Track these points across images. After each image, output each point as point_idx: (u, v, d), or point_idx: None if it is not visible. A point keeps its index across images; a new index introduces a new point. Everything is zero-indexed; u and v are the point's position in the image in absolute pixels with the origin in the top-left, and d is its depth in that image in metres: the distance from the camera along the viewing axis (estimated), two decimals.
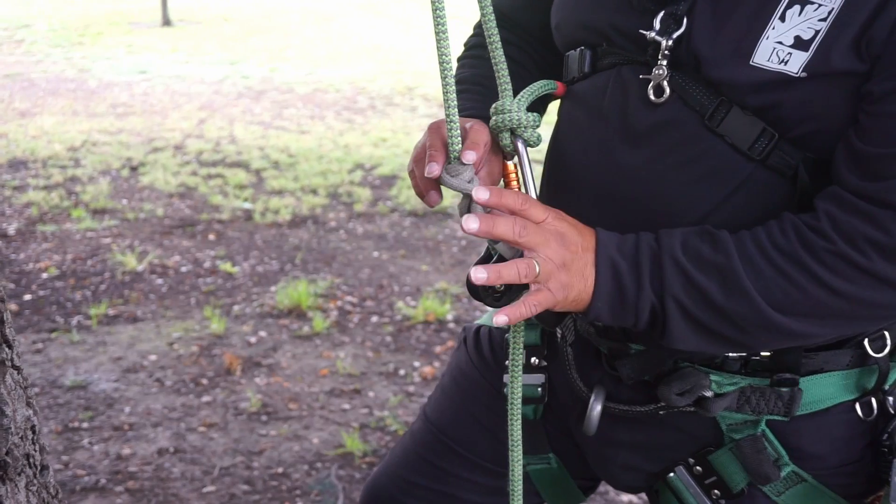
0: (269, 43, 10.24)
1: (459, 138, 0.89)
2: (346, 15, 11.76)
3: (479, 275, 0.81)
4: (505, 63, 0.91)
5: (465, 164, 0.89)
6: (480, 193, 0.84)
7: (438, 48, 0.87)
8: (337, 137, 6.28)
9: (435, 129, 0.93)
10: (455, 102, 0.88)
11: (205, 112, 6.99)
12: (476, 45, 1.18)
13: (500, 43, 0.90)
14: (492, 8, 0.89)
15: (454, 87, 0.88)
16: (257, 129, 6.46)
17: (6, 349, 1.11)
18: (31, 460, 1.15)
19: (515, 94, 0.94)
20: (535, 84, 0.99)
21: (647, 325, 0.88)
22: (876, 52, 0.82)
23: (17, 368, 1.14)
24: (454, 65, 0.95)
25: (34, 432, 1.17)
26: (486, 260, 0.91)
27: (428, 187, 0.97)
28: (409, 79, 8.31)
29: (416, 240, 4.23)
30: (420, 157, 0.96)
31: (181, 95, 7.57)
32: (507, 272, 0.83)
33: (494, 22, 0.89)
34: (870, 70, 0.83)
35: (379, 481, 1.32)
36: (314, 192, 4.95)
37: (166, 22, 11.22)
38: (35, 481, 1.16)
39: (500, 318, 0.84)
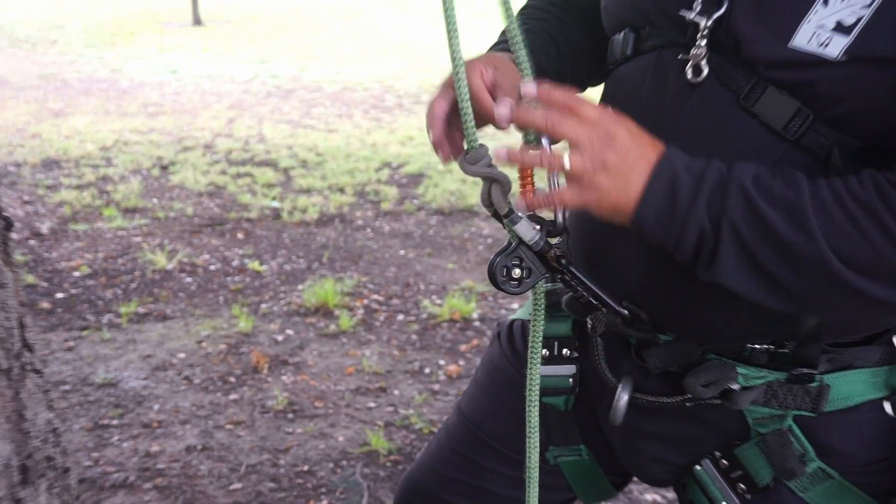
0: (297, 41, 9.80)
1: (474, 128, 0.81)
2: (374, 11, 11.26)
3: (502, 110, 0.77)
4: (528, 59, 0.84)
5: (483, 147, 0.81)
6: (528, 87, 0.78)
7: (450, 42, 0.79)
8: (364, 136, 6.01)
9: (439, 104, 0.84)
10: (467, 94, 0.80)
11: (234, 111, 6.70)
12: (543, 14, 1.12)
13: (523, 42, 0.84)
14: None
15: (465, 79, 0.81)
16: (286, 128, 6.18)
17: (27, 354, 1.06)
18: (53, 463, 1.09)
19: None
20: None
21: (694, 250, 0.79)
22: None
23: (38, 372, 1.08)
24: (464, 57, 0.85)
25: (55, 435, 1.11)
26: (505, 250, 0.84)
27: (439, 145, 0.89)
28: (436, 76, 7.83)
29: (442, 238, 3.99)
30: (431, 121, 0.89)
31: (211, 95, 7.26)
32: (529, 156, 0.77)
33: (517, 24, 0.83)
34: None
35: (414, 476, 1.26)
36: (341, 190, 4.70)
37: (197, 21, 10.81)
38: (56, 484, 1.10)
39: (520, 202, 0.79)
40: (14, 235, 3.12)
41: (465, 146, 0.82)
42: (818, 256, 0.76)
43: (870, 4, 0.78)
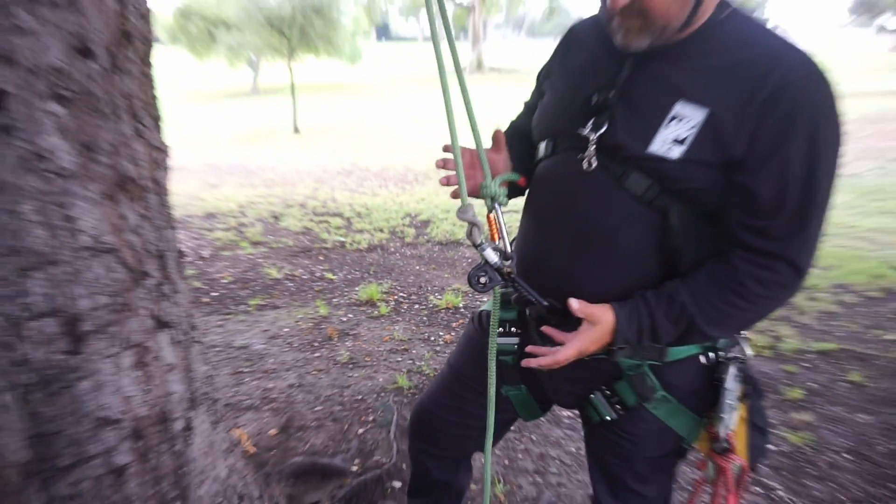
0: (356, 141, 11.98)
1: (466, 194, 1.00)
2: (401, 124, 13.62)
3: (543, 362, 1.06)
4: (486, 157, 1.05)
5: (470, 205, 0.99)
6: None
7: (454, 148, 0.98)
8: (395, 198, 7.30)
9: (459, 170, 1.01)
10: (463, 174, 1.01)
11: (317, 183, 8.18)
12: (514, 128, 1.34)
13: (482, 144, 1.03)
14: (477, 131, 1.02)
15: (462, 165, 1.01)
16: (348, 194, 7.52)
17: (192, 332, 1.28)
18: (208, 395, 1.33)
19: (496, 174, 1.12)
20: (508, 174, 1.15)
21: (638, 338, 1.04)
22: (733, 152, 0.92)
23: (199, 342, 1.32)
24: (460, 142, 1.02)
25: (210, 379, 1.35)
26: (477, 266, 1.02)
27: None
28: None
29: (441, 259, 4.97)
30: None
31: (304, 174, 8.90)
32: (544, 360, 1.06)
33: (481, 140, 1.02)
34: (726, 162, 0.94)
35: (422, 402, 1.44)
36: (381, 230, 5.78)
37: (296, 130, 13.31)
38: (210, 408, 1.33)
39: (531, 361, 1.08)
40: (187, 259, 4.02)
41: (460, 203, 1.01)
42: (699, 330, 1.00)
43: (693, 128, 0.94)
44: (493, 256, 1.00)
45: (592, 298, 1.05)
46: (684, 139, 0.94)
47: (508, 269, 1.01)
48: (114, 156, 1.01)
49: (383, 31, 79.32)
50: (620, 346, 1.04)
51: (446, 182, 1.13)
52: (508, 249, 1.02)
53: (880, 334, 3.39)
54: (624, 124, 1.00)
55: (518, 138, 1.29)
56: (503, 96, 18.08)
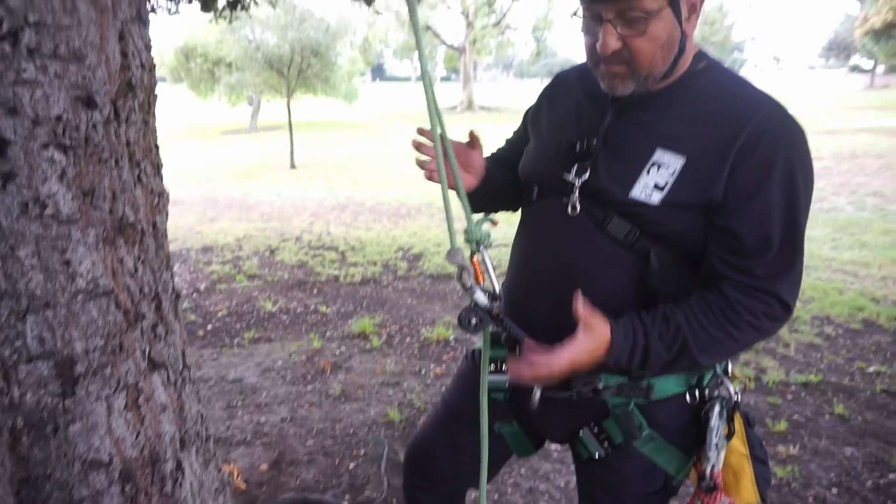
0: (351, 176, 12.07)
1: (457, 240, 1.02)
2: (396, 160, 13.72)
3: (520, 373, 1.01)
4: (468, 202, 1.08)
5: (459, 249, 1.01)
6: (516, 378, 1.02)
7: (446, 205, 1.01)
8: (388, 232, 7.27)
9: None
10: (452, 215, 1.01)
11: (313, 218, 8.17)
12: (494, 157, 1.36)
13: (465, 195, 1.08)
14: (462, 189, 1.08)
15: (451, 211, 1.01)
16: (343, 228, 7.52)
17: (186, 371, 1.25)
18: (199, 435, 1.28)
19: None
20: (484, 215, 1.13)
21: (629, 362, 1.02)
22: (712, 195, 0.95)
23: (193, 381, 1.28)
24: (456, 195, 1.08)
25: (202, 418, 1.30)
26: (468, 307, 1.02)
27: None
28: (429, 197, 9.24)
29: (433, 292, 4.91)
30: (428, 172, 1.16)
31: (300, 208, 8.91)
32: (538, 369, 1.00)
33: (464, 194, 1.08)
34: (705, 204, 0.96)
35: (416, 439, 1.45)
36: (374, 263, 5.74)
37: (292, 166, 13.40)
38: (201, 448, 1.28)
39: (523, 371, 1.01)
40: (183, 292, 4.03)
41: (450, 246, 1.02)
42: (691, 355, 0.99)
43: (672, 174, 0.98)
44: (482, 299, 1.01)
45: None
46: (664, 185, 0.98)
47: (497, 311, 1.02)
48: (113, 202, 1.02)
49: (378, 72, 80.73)
50: (609, 369, 1.02)
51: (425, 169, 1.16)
52: (497, 290, 1.03)
53: (863, 367, 3.40)
54: (606, 170, 1.03)
55: (497, 165, 1.32)
56: (493, 134, 18.30)
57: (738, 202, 0.96)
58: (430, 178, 1.16)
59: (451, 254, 1.01)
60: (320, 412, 2.92)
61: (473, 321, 1.01)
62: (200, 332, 4.00)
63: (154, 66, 1.13)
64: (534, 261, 1.16)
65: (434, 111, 1.00)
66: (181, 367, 1.26)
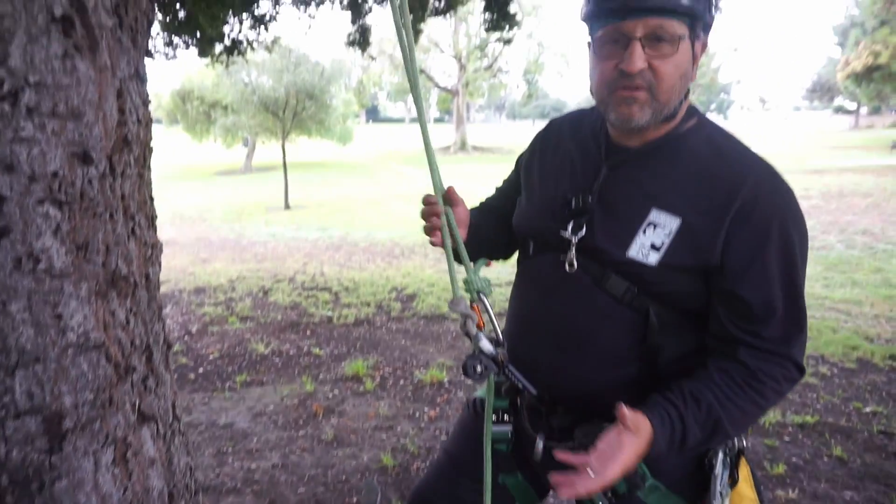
0: (345, 217, 12.13)
1: (458, 287, 1.05)
2: (389, 201, 13.88)
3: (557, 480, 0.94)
4: (465, 251, 1.09)
5: (462, 297, 1.03)
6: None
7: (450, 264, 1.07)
8: (382, 272, 7.25)
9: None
10: (455, 268, 1.05)
11: (307, 258, 8.17)
12: (482, 206, 1.38)
13: (464, 247, 1.08)
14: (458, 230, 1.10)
15: (455, 266, 1.05)
16: (336, 268, 7.50)
17: (176, 423, 1.27)
18: (188, 488, 1.28)
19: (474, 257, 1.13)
20: (480, 260, 1.17)
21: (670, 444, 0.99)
22: (709, 258, 0.96)
23: (182, 433, 1.30)
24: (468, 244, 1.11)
25: (191, 471, 1.32)
26: (472, 355, 1.03)
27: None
28: (422, 237, 9.31)
29: (427, 333, 4.86)
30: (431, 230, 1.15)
31: (293, 248, 8.92)
32: (592, 482, 0.93)
33: (464, 248, 1.08)
34: (702, 267, 0.97)
35: (417, 489, 1.42)
36: (368, 304, 5.69)
37: (287, 206, 13.52)
38: (190, 500, 1.28)
39: (577, 487, 0.94)
40: (174, 335, 4.12)
41: (453, 295, 1.05)
42: (724, 431, 0.99)
43: (669, 234, 0.98)
44: (488, 346, 1.03)
45: (577, 394, 1.08)
46: (660, 246, 0.99)
47: (502, 358, 1.04)
48: (107, 255, 1.03)
49: (372, 113, 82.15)
50: (650, 457, 0.98)
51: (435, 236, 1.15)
52: (500, 336, 1.05)
53: (860, 407, 3.39)
54: (602, 229, 1.04)
55: (484, 215, 1.33)
56: (486, 174, 18.56)
57: (738, 266, 0.97)
58: (433, 243, 1.16)
59: (454, 302, 1.02)
60: (312, 458, 2.86)
61: (479, 369, 1.02)
62: (191, 376, 3.94)
63: (151, 120, 1.15)
64: (533, 315, 1.16)
65: (435, 171, 1.07)
66: (171, 419, 1.26)
